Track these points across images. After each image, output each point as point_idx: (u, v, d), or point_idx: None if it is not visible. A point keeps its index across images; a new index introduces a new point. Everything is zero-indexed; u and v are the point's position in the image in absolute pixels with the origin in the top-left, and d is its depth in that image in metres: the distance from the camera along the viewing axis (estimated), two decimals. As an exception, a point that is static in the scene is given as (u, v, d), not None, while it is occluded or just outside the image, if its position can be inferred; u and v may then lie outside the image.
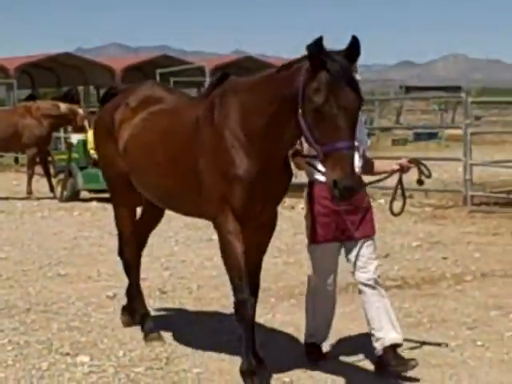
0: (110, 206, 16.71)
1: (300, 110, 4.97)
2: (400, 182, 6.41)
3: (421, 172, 6.36)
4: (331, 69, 4.75)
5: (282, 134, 5.41)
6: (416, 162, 6.65)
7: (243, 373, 5.86)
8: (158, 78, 33.85)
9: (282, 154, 5.75)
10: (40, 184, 19.37)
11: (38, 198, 18.58)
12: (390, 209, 6.31)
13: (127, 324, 7.72)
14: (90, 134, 18.10)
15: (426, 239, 12.69)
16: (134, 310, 7.57)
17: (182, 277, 10.28)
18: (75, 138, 19.06)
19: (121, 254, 7.58)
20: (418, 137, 41.66)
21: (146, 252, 11.92)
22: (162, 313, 8.62)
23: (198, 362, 6.81)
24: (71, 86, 46.85)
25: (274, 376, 6.23)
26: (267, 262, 7.10)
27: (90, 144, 17.94)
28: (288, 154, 5.84)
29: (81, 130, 19.46)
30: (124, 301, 8.54)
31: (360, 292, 6.24)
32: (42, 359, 6.97)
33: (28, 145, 19.20)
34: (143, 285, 9.73)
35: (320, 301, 6.35)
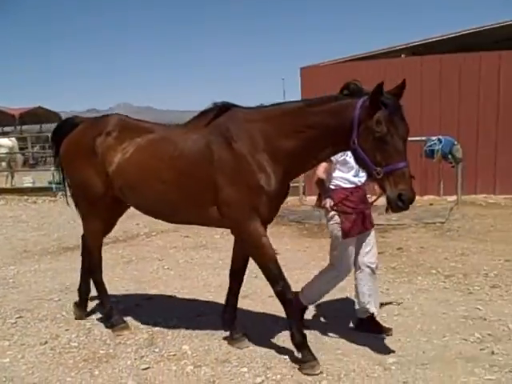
0: None
1: (356, 140, 4.27)
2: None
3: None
4: (390, 107, 4.16)
5: (306, 156, 4.60)
6: None
7: (297, 345, 4.75)
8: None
9: (300, 172, 4.98)
10: None
11: None
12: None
13: (80, 317, 5.98)
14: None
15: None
16: (102, 306, 5.88)
17: None
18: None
19: (88, 258, 5.87)
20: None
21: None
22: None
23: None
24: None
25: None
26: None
27: None
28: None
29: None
30: None
31: (358, 270, 5.27)
32: None
33: None
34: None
35: (362, 279, 5.24)
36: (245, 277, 5.34)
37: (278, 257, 4.75)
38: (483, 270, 7.32)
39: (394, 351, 4.88)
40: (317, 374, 4.52)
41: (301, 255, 8.47)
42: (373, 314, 5.31)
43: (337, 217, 5.09)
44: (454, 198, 13.17)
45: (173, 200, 4.97)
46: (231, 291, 5.40)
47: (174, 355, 4.98)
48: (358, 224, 5.10)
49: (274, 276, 4.68)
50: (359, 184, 5.09)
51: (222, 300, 5.63)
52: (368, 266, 5.23)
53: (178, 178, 4.87)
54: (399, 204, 4.14)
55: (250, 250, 4.87)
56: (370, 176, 4.40)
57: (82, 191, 5.53)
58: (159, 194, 5.01)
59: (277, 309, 5.30)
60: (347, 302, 6.03)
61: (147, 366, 4.78)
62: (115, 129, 5.35)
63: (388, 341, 5.10)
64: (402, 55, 15.54)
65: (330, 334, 5.31)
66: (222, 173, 4.65)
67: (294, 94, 14.19)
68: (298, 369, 4.59)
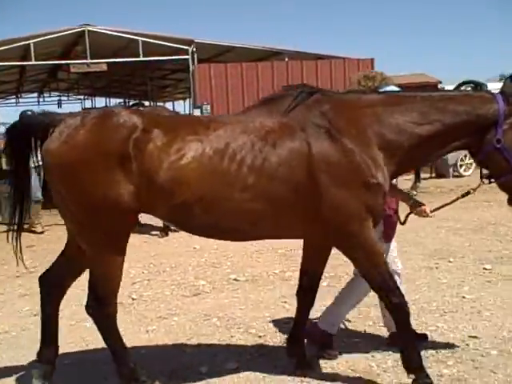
0: None
1: (501, 139, 3.70)
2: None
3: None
4: None
5: (420, 153, 3.88)
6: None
7: (414, 369, 3.77)
8: None
9: (408, 170, 4.29)
10: None
11: None
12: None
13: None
14: None
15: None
16: (120, 367, 3.92)
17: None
18: None
19: (100, 309, 3.81)
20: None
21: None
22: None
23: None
24: None
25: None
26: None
27: None
28: None
29: None
30: None
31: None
32: None
33: None
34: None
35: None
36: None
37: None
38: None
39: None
40: None
41: None
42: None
43: None
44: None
45: (254, 210, 3.68)
46: (300, 313, 4.34)
47: None
48: (396, 227, 4.53)
49: (389, 286, 3.75)
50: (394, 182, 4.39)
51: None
52: (396, 273, 4.52)
53: (263, 182, 3.65)
54: None
55: (359, 260, 3.84)
56: (502, 177, 3.85)
57: (103, 214, 3.63)
58: (237, 205, 3.67)
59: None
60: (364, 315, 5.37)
61: None
62: (150, 125, 3.69)
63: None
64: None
65: (367, 356, 4.43)
66: (325, 171, 3.62)
67: None
68: None
